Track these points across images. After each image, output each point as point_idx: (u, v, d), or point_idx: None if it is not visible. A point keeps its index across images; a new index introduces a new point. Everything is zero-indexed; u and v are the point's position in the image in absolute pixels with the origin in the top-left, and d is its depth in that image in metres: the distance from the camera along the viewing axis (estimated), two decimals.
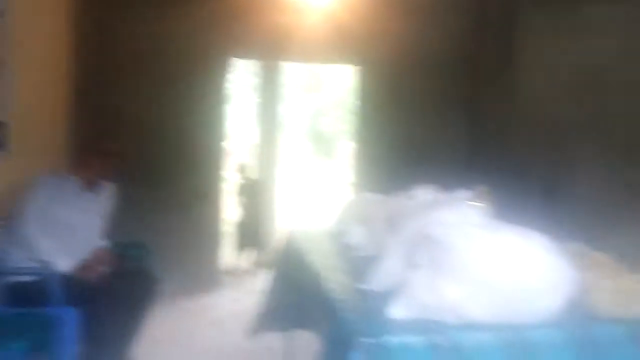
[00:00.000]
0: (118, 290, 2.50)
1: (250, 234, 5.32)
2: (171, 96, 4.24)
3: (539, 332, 1.35)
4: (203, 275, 4.44)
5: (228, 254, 5.17)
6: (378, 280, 1.69)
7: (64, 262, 2.45)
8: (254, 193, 5.42)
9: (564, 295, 1.37)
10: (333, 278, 1.89)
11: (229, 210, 5.43)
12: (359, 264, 1.96)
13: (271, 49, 4.59)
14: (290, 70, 10.36)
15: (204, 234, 4.42)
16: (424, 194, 2.14)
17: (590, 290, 1.50)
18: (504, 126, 4.45)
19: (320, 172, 13.00)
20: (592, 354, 1.39)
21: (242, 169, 5.55)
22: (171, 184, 4.22)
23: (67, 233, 2.55)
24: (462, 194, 2.06)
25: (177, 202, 4.25)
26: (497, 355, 1.32)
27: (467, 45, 4.61)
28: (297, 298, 2.33)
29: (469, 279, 1.36)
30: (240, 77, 10.52)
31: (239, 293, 4.47)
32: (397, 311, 1.44)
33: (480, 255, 1.37)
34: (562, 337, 1.36)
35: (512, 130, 4.38)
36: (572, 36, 4.37)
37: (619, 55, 4.40)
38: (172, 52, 4.23)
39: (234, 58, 4.80)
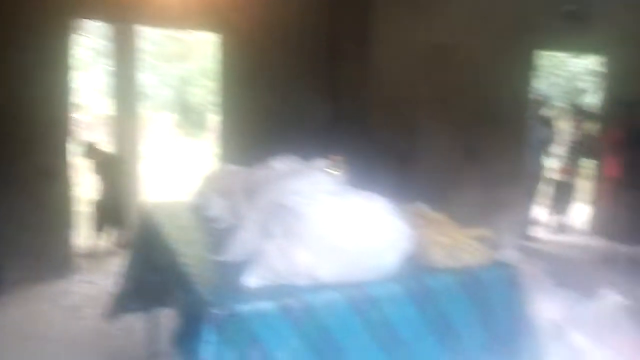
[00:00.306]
0: None
1: (110, 212, 4.97)
2: (8, 61, 3.72)
3: (381, 287, 1.47)
4: (54, 259, 4.06)
5: (85, 235, 4.79)
6: (234, 251, 1.68)
7: None
8: (111, 169, 5.04)
9: (403, 252, 1.49)
10: (190, 252, 1.85)
11: (85, 189, 5.00)
12: (218, 236, 1.94)
13: (124, 10, 4.23)
14: (150, 36, 9.68)
15: (52, 214, 4.02)
16: (281, 164, 2.17)
17: (426, 245, 1.65)
18: (362, 99, 4.67)
19: (186, 145, 12.53)
20: (428, 302, 1.56)
21: (91, 145, 5.09)
22: (10, 162, 3.75)
23: None
24: (318, 163, 2.13)
25: (18, 181, 3.80)
26: (345, 311, 1.41)
27: (326, 20, 4.71)
28: (155, 275, 2.25)
29: (319, 244, 1.42)
30: (91, 42, 9.60)
31: (96, 276, 4.18)
32: (252, 280, 1.46)
33: (328, 221, 1.44)
34: (402, 290, 1.50)
35: (369, 103, 4.62)
36: (423, 15, 4.69)
37: (463, 34, 4.84)
38: (8, 10, 3.69)
39: (83, 19, 4.35)
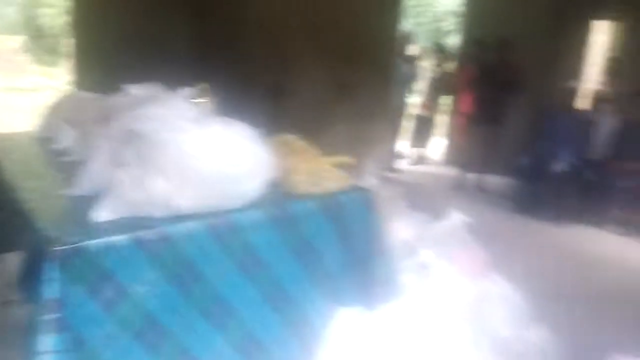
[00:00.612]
0: None
1: None
2: None
3: (243, 214, 1.46)
4: None
5: None
6: (84, 184, 1.55)
7: None
8: None
9: (264, 179, 1.49)
10: (35, 187, 1.67)
11: None
12: (67, 169, 1.77)
13: None
14: None
15: None
16: (139, 90, 2.00)
17: (289, 173, 1.67)
18: (233, 26, 4.46)
19: (35, 71, 11.10)
20: (290, 227, 1.59)
21: None
22: None
23: None
24: (181, 90, 2.01)
25: None
26: (206, 240, 1.38)
27: None
28: None
29: (176, 172, 1.35)
30: None
31: None
32: (103, 213, 1.36)
33: (187, 148, 1.37)
34: (264, 216, 1.50)
35: (240, 30, 4.43)
36: None
37: None
38: None
39: None
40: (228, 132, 1.46)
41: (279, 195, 1.60)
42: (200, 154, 1.37)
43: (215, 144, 1.40)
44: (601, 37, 8.51)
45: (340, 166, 1.87)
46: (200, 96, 2.05)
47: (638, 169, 4.49)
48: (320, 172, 1.72)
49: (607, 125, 4.89)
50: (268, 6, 4.45)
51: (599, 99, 5.45)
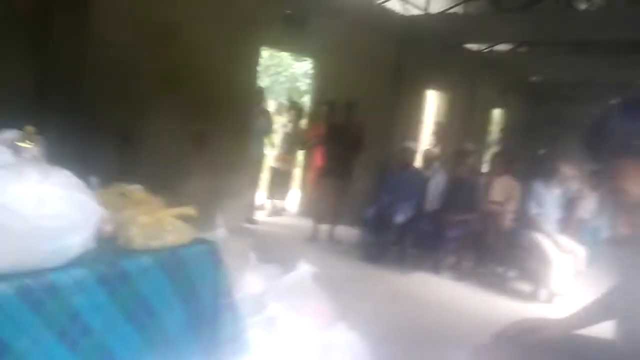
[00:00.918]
0: None
1: None
2: None
3: (63, 273, 1.29)
4: None
5: None
6: None
7: None
8: None
9: (91, 233, 1.35)
10: None
11: None
12: None
13: None
14: None
15: None
16: None
17: (125, 226, 1.55)
18: (78, 71, 4.17)
19: None
20: (123, 286, 1.45)
21: None
22: None
23: None
24: (4, 135, 1.79)
25: None
26: (14, 306, 1.19)
27: None
28: None
29: None
30: None
31: None
32: None
33: None
34: (89, 275, 1.35)
35: (87, 76, 4.16)
36: None
37: (190, 17, 4.79)
38: None
39: None
40: (49, 180, 1.31)
41: (109, 251, 1.47)
42: (11, 205, 1.20)
43: (30, 194, 1.24)
44: (434, 104, 9.77)
45: (184, 218, 1.78)
46: (24, 140, 1.85)
47: (463, 220, 5.06)
48: (161, 225, 1.62)
49: (437, 181, 5.48)
50: (119, 48, 4.26)
51: (429, 158, 6.14)
